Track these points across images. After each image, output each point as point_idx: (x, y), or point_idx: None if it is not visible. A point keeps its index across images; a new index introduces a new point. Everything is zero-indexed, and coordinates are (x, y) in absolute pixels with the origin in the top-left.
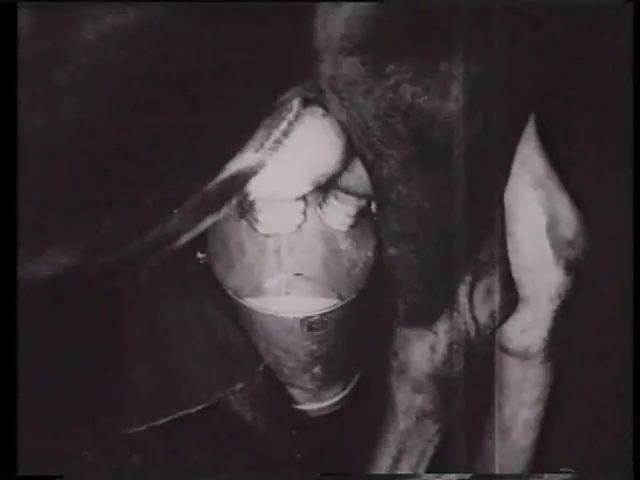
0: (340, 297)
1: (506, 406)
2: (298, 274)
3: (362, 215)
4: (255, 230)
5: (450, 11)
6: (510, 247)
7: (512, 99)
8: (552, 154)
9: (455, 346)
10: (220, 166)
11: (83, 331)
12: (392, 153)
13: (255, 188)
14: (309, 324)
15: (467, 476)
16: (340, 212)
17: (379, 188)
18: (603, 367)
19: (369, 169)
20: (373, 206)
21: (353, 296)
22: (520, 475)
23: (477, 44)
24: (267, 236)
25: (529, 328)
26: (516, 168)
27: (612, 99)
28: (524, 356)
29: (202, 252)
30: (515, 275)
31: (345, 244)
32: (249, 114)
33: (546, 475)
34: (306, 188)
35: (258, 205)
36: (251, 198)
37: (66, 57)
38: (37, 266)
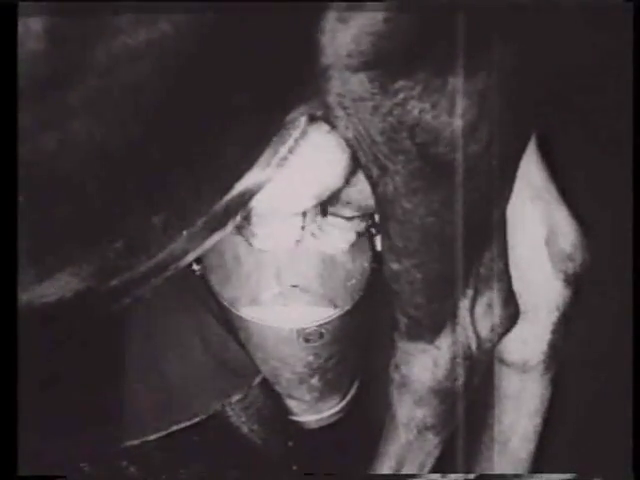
0: (336, 308)
1: (505, 417)
2: (294, 285)
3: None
4: (251, 245)
5: (454, 27)
6: (509, 260)
7: (516, 113)
8: (551, 166)
9: (457, 360)
10: (230, 186)
11: (81, 344)
12: (397, 169)
13: (258, 203)
14: (305, 335)
15: (472, 476)
16: (337, 237)
17: (383, 203)
18: (602, 379)
19: (374, 185)
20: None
21: (349, 307)
22: (524, 476)
23: (480, 59)
24: (262, 251)
25: (528, 340)
26: (515, 181)
27: (612, 102)
28: (523, 368)
29: (198, 263)
30: (514, 288)
31: (341, 255)
32: (258, 133)
33: (548, 475)
34: (308, 204)
35: (255, 220)
36: (253, 213)
37: (75, 77)
38: (45, 289)
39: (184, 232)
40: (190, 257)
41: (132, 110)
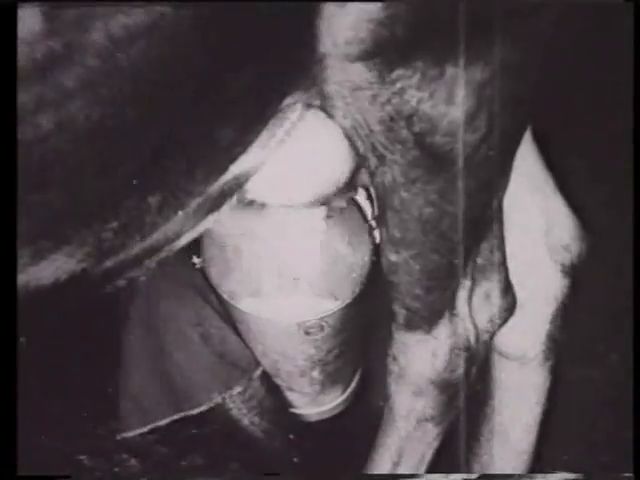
0: (337, 301)
1: (505, 409)
2: (295, 278)
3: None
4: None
5: (454, 17)
6: (507, 251)
7: (514, 104)
8: (548, 157)
9: (456, 351)
10: (224, 168)
11: (81, 337)
12: (395, 158)
13: (258, 189)
14: (306, 328)
15: (474, 476)
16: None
17: (382, 194)
18: (601, 369)
19: (372, 174)
20: (369, 211)
21: (349, 300)
22: (525, 475)
23: (480, 49)
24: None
25: (527, 332)
26: (513, 172)
27: (612, 100)
28: (522, 360)
29: (198, 257)
30: (512, 279)
31: (342, 248)
32: (253, 117)
33: (549, 475)
34: (312, 194)
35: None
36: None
37: (74, 58)
38: (41, 271)
39: (179, 212)
40: (184, 239)
41: (129, 92)
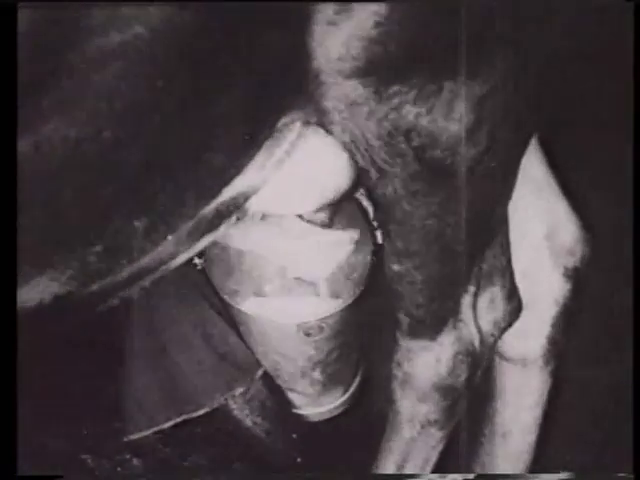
0: (338, 301)
1: (505, 410)
2: (297, 278)
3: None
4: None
5: (451, 32)
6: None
7: (516, 115)
8: (551, 160)
9: (460, 356)
10: (217, 191)
11: (83, 338)
12: (396, 172)
13: (257, 203)
14: (306, 329)
15: (471, 476)
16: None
17: (383, 206)
18: (602, 370)
19: (373, 187)
20: (371, 211)
21: (350, 301)
22: (522, 475)
23: (479, 63)
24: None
25: (528, 334)
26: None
27: (612, 101)
28: (523, 362)
29: (200, 257)
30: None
31: (343, 249)
32: (246, 140)
33: (545, 476)
34: (312, 205)
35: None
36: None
37: (52, 80)
38: (23, 295)
39: (168, 237)
40: (179, 259)
41: (106, 114)
